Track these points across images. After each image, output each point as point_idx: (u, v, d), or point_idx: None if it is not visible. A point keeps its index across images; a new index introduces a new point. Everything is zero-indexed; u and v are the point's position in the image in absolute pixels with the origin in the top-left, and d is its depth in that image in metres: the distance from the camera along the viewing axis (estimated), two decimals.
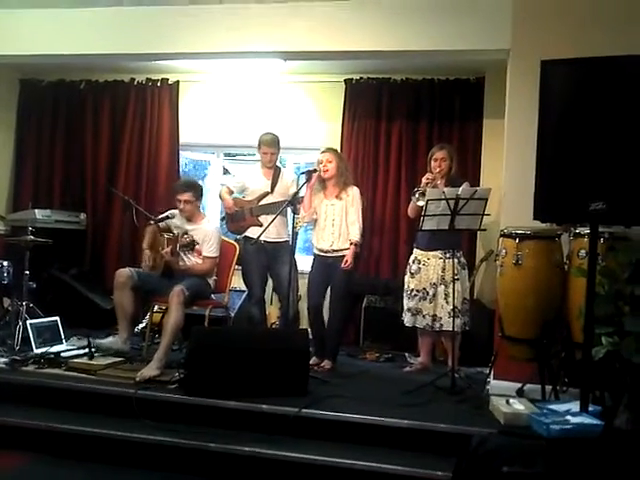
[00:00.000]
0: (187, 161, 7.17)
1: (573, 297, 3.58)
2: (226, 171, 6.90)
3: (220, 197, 5.24)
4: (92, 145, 6.64)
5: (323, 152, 4.84)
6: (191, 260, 4.63)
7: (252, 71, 6.21)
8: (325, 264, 4.75)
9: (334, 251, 4.72)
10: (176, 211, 4.82)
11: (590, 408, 2.92)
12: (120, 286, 4.46)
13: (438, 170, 4.72)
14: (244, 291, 5.34)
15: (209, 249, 4.66)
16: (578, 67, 2.97)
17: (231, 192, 5.12)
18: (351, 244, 4.66)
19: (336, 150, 5.00)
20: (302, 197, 4.79)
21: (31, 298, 5.02)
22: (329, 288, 4.81)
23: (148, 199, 6.40)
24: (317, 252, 4.83)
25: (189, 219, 4.78)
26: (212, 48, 5.08)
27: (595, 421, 2.78)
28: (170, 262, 4.53)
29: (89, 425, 3.68)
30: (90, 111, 6.66)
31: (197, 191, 4.79)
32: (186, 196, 4.71)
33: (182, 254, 4.55)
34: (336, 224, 4.72)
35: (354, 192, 4.79)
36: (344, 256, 4.66)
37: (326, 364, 4.73)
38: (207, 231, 4.71)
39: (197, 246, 4.55)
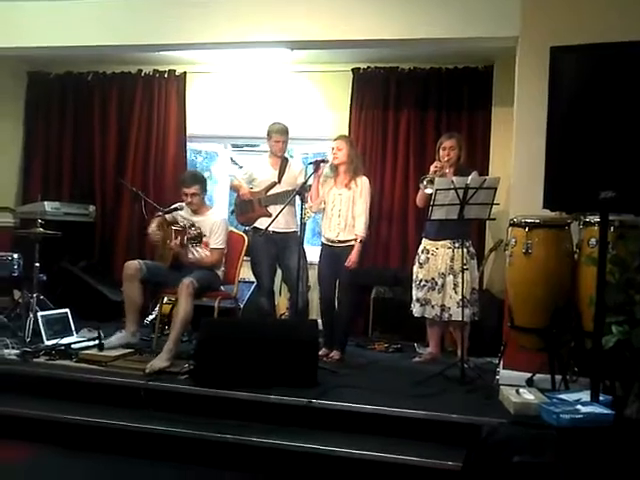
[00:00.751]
0: (198, 152, 7.16)
1: (583, 286, 3.56)
2: (234, 162, 6.89)
3: (233, 187, 5.23)
4: (100, 137, 6.65)
5: (335, 139, 4.85)
6: (199, 252, 4.63)
7: (259, 61, 6.19)
8: (333, 254, 4.75)
9: (340, 242, 4.71)
10: (184, 203, 4.82)
11: (601, 397, 2.92)
12: (129, 278, 4.47)
13: (447, 159, 4.69)
14: (253, 282, 5.33)
15: (216, 240, 4.66)
16: (588, 54, 2.95)
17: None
18: (356, 240, 4.65)
19: (348, 137, 5.00)
20: (310, 186, 4.79)
21: (41, 290, 5.06)
22: (338, 278, 4.80)
23: (156, 190, 6.39)
24: (325, 241, 4.82)
25: (195, 211, 4.78)
26: (219, 38, 5.05)
27: (606, 411, 2.78)
28: (179, 254, 4.54)
29: (99, 416, 3.70)
30: (98, 103, 6.66)
31: (203, 184, 4.80)
32: (193, 189, 4.71)
33: (190, 247, 4.55)
34: (342, 214, 4.71)
35: (363, 182, 4.76)
36: (351, 247, 4.65)
37: (335, 354, 4.74)
38: (213, 222, 4.71)
39: (204, 239, 4.54)
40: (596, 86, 2.89)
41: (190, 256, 4.62)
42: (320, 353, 4.58)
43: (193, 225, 4.58)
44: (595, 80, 2.90)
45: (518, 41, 4.30)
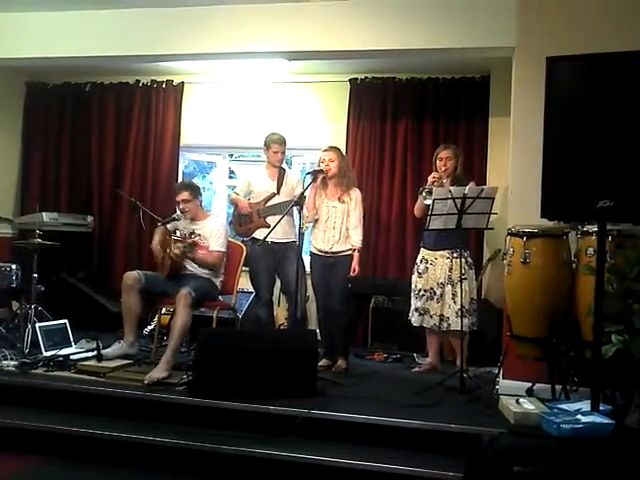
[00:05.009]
0: (188, 162, 7.18)
1: (582, 295, 3.56)
2: (232, 172, 6.92)
3: (232, 202, 5.23)
4: (98, 147, 6.66)
5: (325, 150, 4.82)
6: (198, 253, 4.60)
7: (257, 72, 6.21)
8: (326, 264, 4.75)
9: (333, 252, 4.72)
10: (181, 213, 4.83)
11: (601, 407, 2.91)
12: (128, 288, 4.45)
13: (443, 169, 4.71)
14: (251, 292, 5.33)
15: (217, 243, 4.66)
16: (584, 63, 2.96)
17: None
18: (354, 250, 4.68)
19: (339, 149, 4.95)
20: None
21: (39, 301, 5.04)
22: (332, 287, 4.78)
23: (153, 200, 6.41)
24: (316, 252, 4.82)
25: (193, 219, 4.78)
26: (216, 49, 5.08)
27: (606, 420, 2.77)
28: (177, 263, 4.52)
29: (98, 427, 3.68)
30: (95, 113, 6.68)
31: (194, 189, 4.80)
32: (183, 195, 4.73)
33: (187, 255, 4.53)
34: (337, 227, 4.72)
35: (357, 195, 4.78)
36: (344, 256, 4.68)
37: (341, 364, 4.73)
38: (213, 227, 4.72)
39: (203, 242, 4.51)
40: (592, 95, 2.90)
41: (190, 267, 4.62)
42: (321, 364, 4.58)
43: (193, 233, 4.58)
44: (591, 89, 2.91)
45: (514, 51, 4.33)
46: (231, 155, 6.93)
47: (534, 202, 3.04)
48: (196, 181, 6.11)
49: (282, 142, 5.02)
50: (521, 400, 3.50)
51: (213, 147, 6.77)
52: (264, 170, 5.12)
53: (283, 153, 5.06)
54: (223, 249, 4.71)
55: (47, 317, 5.03)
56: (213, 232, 4.69)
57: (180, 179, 6.64)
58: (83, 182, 6.68)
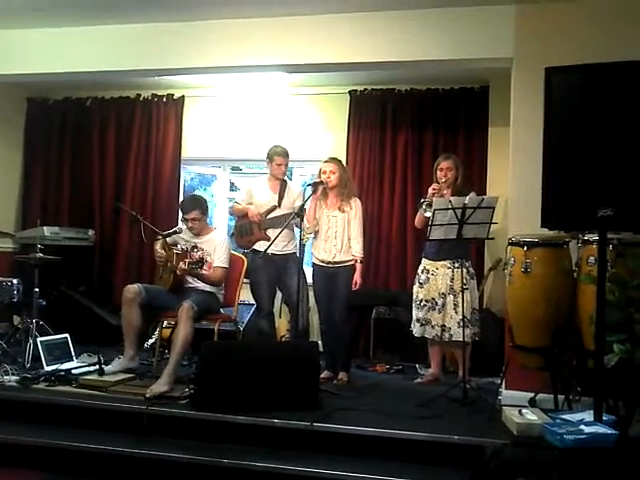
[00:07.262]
0: (192, 175, 7.21)
1: (583, 304, 3.55)
2: (233, 185, 6.94)
3: (235, 212, 5.19)
4: (99, 161, 6.69)
5: (326, 162, 4.82)
6: (202, 270, 4.58)
7: (257, 84, 6.23)
8: (327, 274, 4.75)
9: (335, 263, 4.72)
10: (183, 226, 4.83)
11: (604, 417, 2.89)
12: (128, 302, 4.44)
13: (444, 180, 4.71)
14: (253, 304, 5.32)
15: (219, 259, 4.64)
16: (582, 73, 2.98)
17: None
18: (356, 262, 4.68)
19: (339, 160, 4.95)
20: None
21: (41, 315, 5.04)
22: (334, 298, 4.77)
23: (154, 214, 6.42)
24: (318, 262, 4.81)
25: (198, 234, 4.78)
26: (216, 63, 5.09)
27: (609, 430, 2.76)
28: (182, 278, 4.51)
29: (100, 442, 3.66)
30: (97, 128, 6.72)
31: (203, 207, 4.78)
32: (193, 214, 4.71)
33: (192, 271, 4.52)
34: (339, 236, 4.72)
35: (357, 205, 4.78)
36: (346, 267, 4.68)
37: (343, 376, 4.72)
38: (217, 242, 4.70)
39: (208, 258, 4.51)
40: (591, 105, 2.92)
41: (191, 281, 4.62)
42: (324, 375, 4.58)
43: (195, 247, 4.57)
44: (590, 99, 2.93)
45: (513, 62, 4.35)
46: (233, 168, 6.94)
47: (534, 212, 3.05)
48: (198, 194, 6.10)
49: (286, 155, 5.02)
50: (524, 411, 3.49)
51: (214, 160, 6.79)
52: (266, 182, 5.13)
53: (286, 166, 5.06)
54: (226, 265, 4.69)
55: (48, 331, 5.03)
56: (217, 248, 4.66)
57: (181, 192, 6.67)
58: (84, 196, 6.70)
